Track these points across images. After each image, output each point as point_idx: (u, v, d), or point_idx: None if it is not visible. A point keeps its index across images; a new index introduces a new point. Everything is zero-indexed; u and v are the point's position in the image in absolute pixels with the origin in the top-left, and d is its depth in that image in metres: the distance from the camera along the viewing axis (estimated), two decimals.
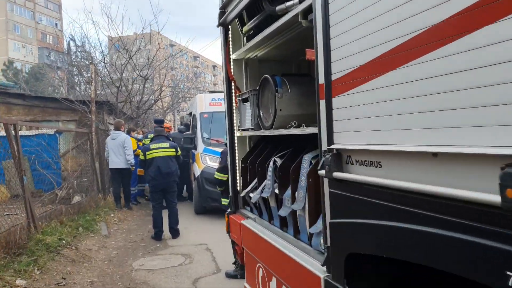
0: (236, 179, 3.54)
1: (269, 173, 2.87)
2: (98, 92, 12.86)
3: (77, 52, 15.84)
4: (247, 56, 3.42)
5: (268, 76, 2.85)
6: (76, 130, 9.26)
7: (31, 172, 9.99)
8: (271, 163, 2.88)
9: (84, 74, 14.76)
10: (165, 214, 6.83)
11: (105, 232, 6.92)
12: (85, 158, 9.51)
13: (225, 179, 4.78)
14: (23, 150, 10.06)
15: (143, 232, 7.25)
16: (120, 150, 8.51)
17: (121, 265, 5.44)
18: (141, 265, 5.46)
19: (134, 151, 9.10)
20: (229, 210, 3.65)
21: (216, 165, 8.34)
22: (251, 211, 3.35)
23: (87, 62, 12.10)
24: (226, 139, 3.84)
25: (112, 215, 8.03)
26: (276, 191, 2.78)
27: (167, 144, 6.93)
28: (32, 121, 10.39)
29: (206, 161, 8.48)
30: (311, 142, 2.28)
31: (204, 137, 8.96)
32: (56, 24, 55.93)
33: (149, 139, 9.45)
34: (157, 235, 6.73)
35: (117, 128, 8.83)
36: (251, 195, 3.21)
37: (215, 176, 4.93)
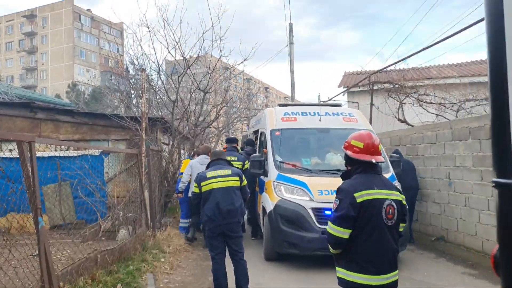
0: None
1: None
2: (154, 112, 11.46)
3: (136, 75, 14.79)
4: None
5: None
6: (121, 151, 7.68)
7: (73, 199, 8.59)
8: None
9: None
10: (228, 266, 4.88)
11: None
12: (134, 184, 7.91)
13: (345, 236, 2.77)
14: (65, 174, 8.82)
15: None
16: None
17: None
18: None
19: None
20: None
21: (295, 198, 6.36)
22: None
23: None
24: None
25: (163, 260, 6.22)
26: None
27: (229, 171, 5.04)
28: (67, 140, 9.05)
29: (281, 192, 6.49)
30: None
31: (277, 160, 7.01)
32: (118, 49, 57.79)
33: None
34: None
35: (205, 153, 7.63)
36: None
37: (328, 229, 2.90)
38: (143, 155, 7.37)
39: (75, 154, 8.01)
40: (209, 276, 5.39)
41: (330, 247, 2.96)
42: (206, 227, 4.95)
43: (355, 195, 2.78)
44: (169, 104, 10.42)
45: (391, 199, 2.85)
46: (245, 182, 5.12)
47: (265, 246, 6.69)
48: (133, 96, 15.75)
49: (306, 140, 7.66)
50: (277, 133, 7.48)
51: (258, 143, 8.39)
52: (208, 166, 5.23)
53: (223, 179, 4.93)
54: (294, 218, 6.16)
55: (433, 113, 10.99)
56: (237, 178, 5.00)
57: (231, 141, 8.19)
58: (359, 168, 2.97)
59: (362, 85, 13.09)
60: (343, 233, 2.80)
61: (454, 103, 10.91)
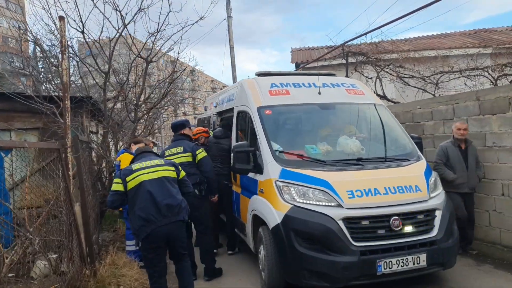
0: None
1: None
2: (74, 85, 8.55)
3: (44, 59, 11.47)
4: None
5: None
6: (31, 145, 4.96)
7: None
8: None
9: (54, 81, 10.44)
10: None
11: None
12: (56, 192, 5.28)
13: None
14: None
15: None
16: None
17: None
18: None
19: None
20: None
21: (315, 205, 4.30)
22: None
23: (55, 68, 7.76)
24: None
25: None
26: None
27: (160, 161, 4.31)
28: None
29: (291, 196, 4.39)
30: None
31: (276, 150, 4.88)
32: (19, 27, 50.14)
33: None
34: None
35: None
36: None
37: None
38: (68, 149, 4.75)
39: None
40: None
41: None
42: (142, 235, 3.92)
43: None
44: (99, 79, 7.66)
45: None
46: (183, 174, 4.38)
47: (267, 276, 4.55)
48: (43, 80, 12.32)
49: (306, 120, 5.62)
50: (267, 111, 5.33)
51: (234, 128, 6.14)
52: (132, 162, 4.36)
53: (154, 168, 4.13)
54: (318, 235, 4.12)
55: (415, 87, 9.59)
56: (172, 168, 4.26)
57: (176, 127, 5.81)
58: None
59: (331, 57, 11.34)
60: None
61: (438, 74, 9.61)
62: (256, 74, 6.45)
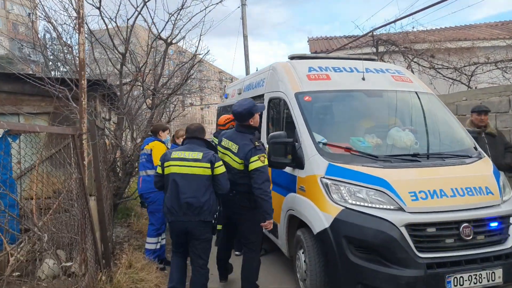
0: None
1: None
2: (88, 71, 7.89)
3: (54, 45, 10.96)
4: None
5: None
6: (43, 130, 4.33)
7: None
8: None
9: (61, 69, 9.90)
10: None
11: None
12: (67, 182, 4.69)
13: None
14: None
15: None
16: None
17: None
18: None
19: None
20: None
21: (372, 207, 3.64)
22: None
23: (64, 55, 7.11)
24: None
25: None
26: None
27: (199, 155, 3.99)
28: None
29: (341, 196, 3.74)
30: None
31: (319, 142, 4.21)
32: (30, 14, 49.61)
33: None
34: None
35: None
36: None
37: None
38: (84, 136, 4.11)
39: None
40: None
41: None
42: (167, 220, 4.12)
43: None
44: (116, 62, 7.01)
45: None
46: (219, 170, 3.97)
47: (310, 287, 3.91)
48: (51, 68, 11.60)
49: (351, 109, 4.93)
50: (307, 97, 4.65)
51: (266, 117, 5.46)
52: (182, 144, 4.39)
53: (187, 163, 3.97)
54: (377, 244, 3.46)
55: (451, 79, 8.86)
56: (208, 165, 3.94)
57: (241, 116, 4.37)
58: None
59: (356, 47, 10.59)
60: None
61: (473, 65, 8.87)
62: (289, 58, 5.78)
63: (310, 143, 4.19)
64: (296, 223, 4.41)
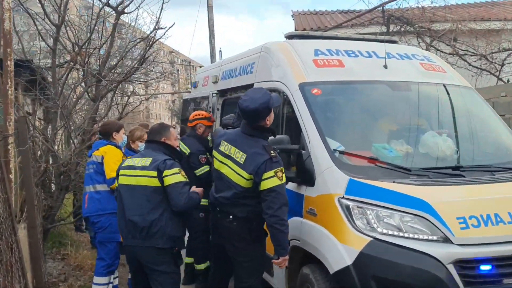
0: None
1: None
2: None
3: None
4: None
5: None
6: None
7: None
8: None
9: None
10: None
11: None
12: None
13: None
14: None
15: None
16: None
17: None
18: None
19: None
20: None
21: (409, 239, 3.51)
22: None
23: None
24: None
25: None
26: None
27: (147, 161, 3.94)
28: None
29: (367, 223, 3.58)
30: None
31: (335, 149, 4.05)
32: None
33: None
34: None
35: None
36: None
37: None
38: (9, 140, 3.74)
39: None
40: None
41: None
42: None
43: None
44: (46, 36, 6.61)
45: None
46: (170, 179, 3.84)
47: None
48: None
49: (373, 106, 4.82)
50: (316, 90, 4.49)
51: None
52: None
53: (134, 172, 3.96)
54: (417, 287, 3.33)
55: (478, 68, 9.02)
56: (154, 173, 3.86)
57: (249, 114, 4.01)
58: None
59: (359, 24, 10.62)
60: None
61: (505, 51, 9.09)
62: (286, 37, 5.61)
63: (323, 152, 4.01)
64: (299, 256, 4.23)
